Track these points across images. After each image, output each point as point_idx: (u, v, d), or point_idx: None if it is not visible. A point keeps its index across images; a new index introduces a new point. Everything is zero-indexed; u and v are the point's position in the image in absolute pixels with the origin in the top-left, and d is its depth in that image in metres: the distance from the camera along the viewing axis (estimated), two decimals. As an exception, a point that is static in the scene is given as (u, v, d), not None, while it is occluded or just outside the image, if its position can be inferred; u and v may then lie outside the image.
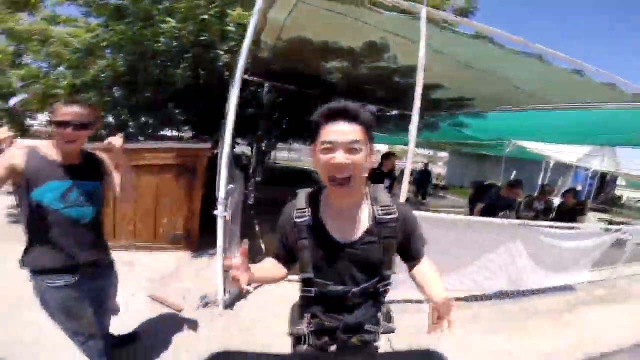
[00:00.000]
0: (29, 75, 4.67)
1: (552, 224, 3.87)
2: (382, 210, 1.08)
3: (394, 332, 1.22)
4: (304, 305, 1.16)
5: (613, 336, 3.20)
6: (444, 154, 26.30)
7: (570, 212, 5.29)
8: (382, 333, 1.17)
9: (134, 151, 3.75)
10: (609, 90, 3.48)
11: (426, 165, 13.98)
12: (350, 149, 0.95)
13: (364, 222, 1.08)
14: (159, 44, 4.06)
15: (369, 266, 1.07)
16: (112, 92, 5.05)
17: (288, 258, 1.18)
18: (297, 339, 1.17)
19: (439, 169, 27.50)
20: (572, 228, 4.02)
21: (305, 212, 1.09)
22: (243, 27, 3.88)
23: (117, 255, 1.95)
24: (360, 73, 4.41)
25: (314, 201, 1.12)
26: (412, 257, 1.19)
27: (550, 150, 10.97)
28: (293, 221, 1.09)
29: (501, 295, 3.73)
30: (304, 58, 4.07)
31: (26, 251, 1.57)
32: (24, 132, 5.15)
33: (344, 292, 1.06)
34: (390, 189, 4.74)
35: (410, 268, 1.19)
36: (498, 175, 10.95)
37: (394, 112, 7.63)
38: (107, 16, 4.42)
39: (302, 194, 1.15)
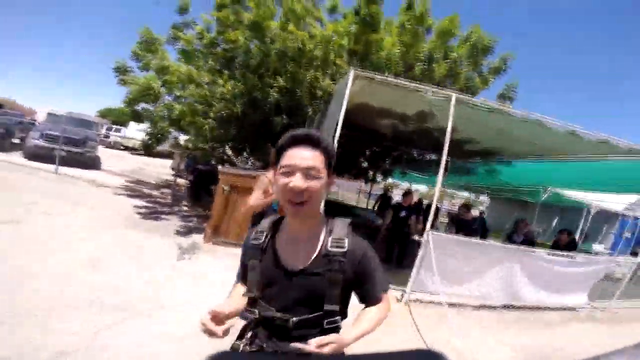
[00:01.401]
0: (183, 112, 6.51)
1: (550, 251, 4.91)
2: (332, 242, 1.04)
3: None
4: (249, 327, 1.10)
5: (591, 344, 4.06)
6: (484, 198, 26.55)
7: (564, 248, 5.81)
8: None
9: (239, 175, 5.38)
10: (607, 147, 4.66)
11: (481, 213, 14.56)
12: (308, 174, 0.96)
13: (314, 251, 1.05)
14: (268, 96, 5.84)
15: (312, 298, 1.02)
16: (229, 127, 6.79)
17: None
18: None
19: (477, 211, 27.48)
20: (568, 256, 5.00)
21: (262, 234, 1.10)
22: (328, 92, 5.67)
23: (228, 250, 3.13)
24: (407, 129, 5.93)
25: (274, 227, 1.13)
26: (365, 299, 1.11)
27: (592, 198, 11.39)
28: (250, 242, 1.11)
29: (506, 307, 4.72)
30: (365, 115, 5.69)
31: None
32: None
33: (283, 320, 1.01)
34: (406, 220, 6.03)
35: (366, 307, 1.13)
36: (536, 221, 11.55)
37: (433, 157, 8.95)
38: (231, 74, 6.37)
39: (267, 220, 1.17)
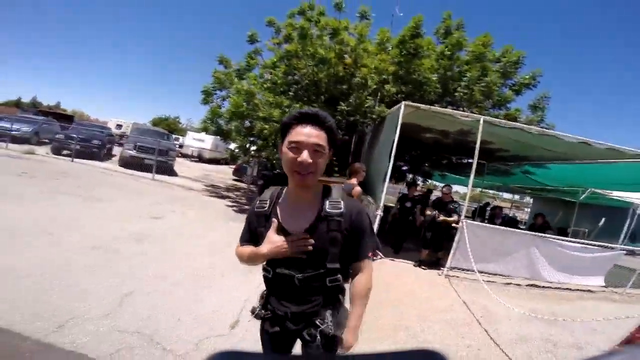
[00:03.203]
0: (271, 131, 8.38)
1: (565, 238, 6.07)
2: (329, 204, 1.17)
3: (335, 342, 1.18)
4: (266, 288, 1.30)
5: (597, 314, 5.13)
6: (529, 200, 26.61)
7: (539, 229, 7.00)
8: (321, 336, 1.17)
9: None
10: (615, 152, 5.80)
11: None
12: (315, 150, 1.08)
13: (312, 215, 1.17)
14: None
15: (314, 256, 1.13)
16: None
17: (253, 243, 1.26)
18: (252, 314, 1.31)
19: (524, 215, 27.55)
20: (582, 243, 6.13)
21: (265, 203, 1.25)
22: (378, 113, 7.23)
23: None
24: (447, 140, 7.36)
25: (276, 196, 1.26)
26: (352, 255, 1.21)
27: (635, 197, 11.87)
28: (255, 209, 1.27)
29: (531, 285, 5.92)
30: (411, 131, 7.18)
31: None
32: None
33: (289, 276, 1.15)
34: (411, 209, 6.79)
35: (351, 269, 1.24)
36: (581, 220, 12.27)
37: (470, 161, 10.18)
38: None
39: (268, 190, 1.31)
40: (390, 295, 4.35)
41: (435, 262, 5.97)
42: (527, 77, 8.07)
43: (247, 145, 9.03)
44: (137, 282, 3.27)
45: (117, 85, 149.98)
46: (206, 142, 24.21)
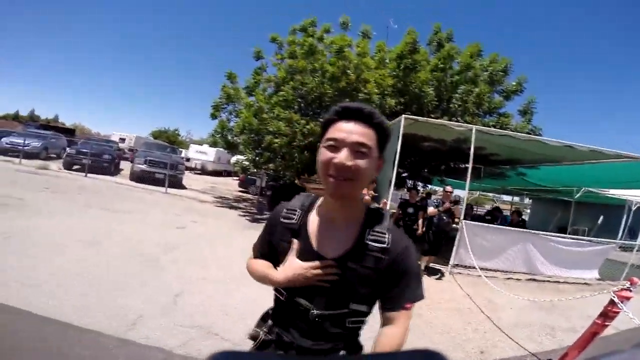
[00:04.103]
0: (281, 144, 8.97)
1: (558, 235, 6.66)
2: (372, 234, 0.94)
3: None
4: (274, 310, 1.07)
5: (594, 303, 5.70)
6: (528, 201, 27.30)
7: (516, 225, 7.54)
8: None
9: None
10: (597, 153, 6.42)
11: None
12: (357, 151, 0.87)
13: (347, 242, 0.95)
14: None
15: (338, 292, 0.93)
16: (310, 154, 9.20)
17: (271, 257, 1.06)
18: (254, 340, 1.04)
19: (524, 216, 28.17)
20: (574, 239, 6.71)
21: (294, 213, 1.03)
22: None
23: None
24: (444, 147, 7.99)
25: (307, 206, 1.05)
26: (389, 302, 0.95)
27: (629, 195, 12.45)
28: (280, 219, 1.04)
29: (530, 280, 6.47)
30: (411, 141, 7.81)
31: None
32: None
33: (305, 309, 0.95)
34: (414, 215, 6.34)
35: (382, 317, 0.96)
36: (580, 218, 12.88)
37: (466, 165, 10.86)
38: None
39: (299, 198, 1.09)
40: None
41: (435, 270, 6.15)
42: (513, 84, 8.80)
43: (257, 158, 9.63)
44: (184, 284, 3.80)
45: (113, 97, 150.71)
46: (209, 154, 24.87)
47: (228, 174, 27.57)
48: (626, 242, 7.88)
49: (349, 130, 0.88)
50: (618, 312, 2.79)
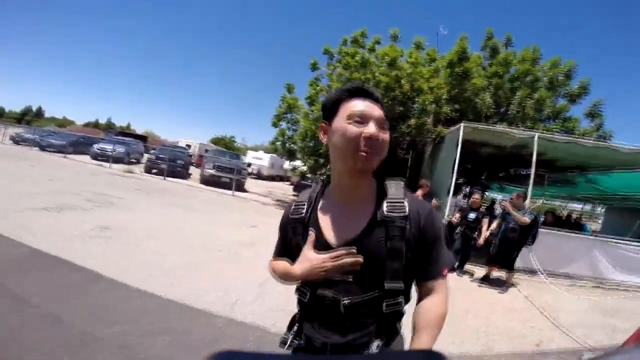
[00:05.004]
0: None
1: (623, 239, 6.40)
2: (389, 204, 0.89)
3: None
4: (300, 312, 0.99)
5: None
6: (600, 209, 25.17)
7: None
8: None
9: None
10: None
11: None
12: (381, 125, 0.86)
13: (364, 219, 0.89)
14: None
15: (367, 273, 0.85)
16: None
17: (290, 257, 1.01)
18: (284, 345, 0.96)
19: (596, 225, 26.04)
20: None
21: (302, 206, 0.99)
22: (437, 133, 8.17)
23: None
24: (503, 153, 8.07)
25: (315, 197, 1.00)
26: (421, 272, 0.91)
27: None
28: (290, 215, 1.01)
29: (595, 287, 6.28)
30: (470, 147, 8.00)
31: None
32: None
33: (334, 300, 0.86)
34: (474, 223, 6.05)
35: (419, 290, 0.93)
36: None
37: (528, 172, 10.62)
38: None
39: (306, 191, 1.06)
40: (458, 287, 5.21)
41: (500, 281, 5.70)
42: (576, 88, 8.57)
43: (315, 164, 10.41)
44: (266, 274, 4.47)
45: (176, 105, 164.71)
46: (264, 160, 26.47)
47: (281, 178, 29.09)
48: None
49: (369, 105, 0.88)
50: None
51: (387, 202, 0.90)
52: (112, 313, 2.70)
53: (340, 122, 0.87)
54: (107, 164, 14.29)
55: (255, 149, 37.55)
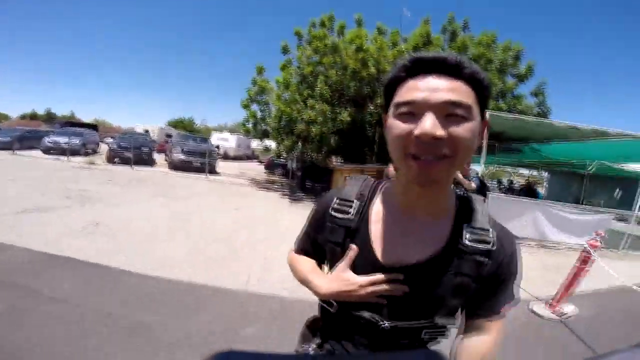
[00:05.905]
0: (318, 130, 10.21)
1: (561, 203, 7.68)
2: (472, 233, 0.70)
3: None
4: (322, 322, 0.86)
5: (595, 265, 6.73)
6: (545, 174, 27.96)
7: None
8: None
9: (357, 169, 8.81)
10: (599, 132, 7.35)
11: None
12: (448, 114, 0.59)
13: (434, 243, 0.71)
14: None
15: (418, 305, 0.72)
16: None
17: (317, 255, 0.89)
18: None
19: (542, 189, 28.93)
20: (578, 208, 7.73)
21: (349, 206, 0.78)
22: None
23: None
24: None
25: (367, 196, 0.80)
26: (482, 309, 0.75)
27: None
28: (331, 212, 0.79)
29: (539, 246, 7.52)
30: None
31: None
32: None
33: (371, 323, 0.73)
34: None
35: (471, 327, 0.76)
36: (596, 191, 13.81)
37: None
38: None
39: (356, 182, 0.84)
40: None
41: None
42: (523, 69, 9.69)
43: (291, 144, 10.85)
44: (274, 254, 4.60)
45: (121, 91, 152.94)
46: (230, 141, 26.28)
47: (248, 158, 29.09)
48: (623, 211, 8.75)
49: (431, 87, 0.59)
50: (590, 257, 3.89)
51: (471, 230, 0.71)
52: (156, 302, 2.96)
53: (390, 115, 0.66)
54: (63, 158, 13.64)
55: (219, 129, 36.83)
